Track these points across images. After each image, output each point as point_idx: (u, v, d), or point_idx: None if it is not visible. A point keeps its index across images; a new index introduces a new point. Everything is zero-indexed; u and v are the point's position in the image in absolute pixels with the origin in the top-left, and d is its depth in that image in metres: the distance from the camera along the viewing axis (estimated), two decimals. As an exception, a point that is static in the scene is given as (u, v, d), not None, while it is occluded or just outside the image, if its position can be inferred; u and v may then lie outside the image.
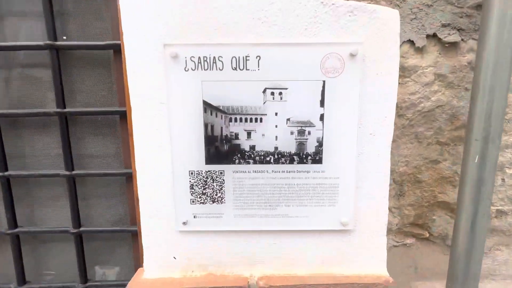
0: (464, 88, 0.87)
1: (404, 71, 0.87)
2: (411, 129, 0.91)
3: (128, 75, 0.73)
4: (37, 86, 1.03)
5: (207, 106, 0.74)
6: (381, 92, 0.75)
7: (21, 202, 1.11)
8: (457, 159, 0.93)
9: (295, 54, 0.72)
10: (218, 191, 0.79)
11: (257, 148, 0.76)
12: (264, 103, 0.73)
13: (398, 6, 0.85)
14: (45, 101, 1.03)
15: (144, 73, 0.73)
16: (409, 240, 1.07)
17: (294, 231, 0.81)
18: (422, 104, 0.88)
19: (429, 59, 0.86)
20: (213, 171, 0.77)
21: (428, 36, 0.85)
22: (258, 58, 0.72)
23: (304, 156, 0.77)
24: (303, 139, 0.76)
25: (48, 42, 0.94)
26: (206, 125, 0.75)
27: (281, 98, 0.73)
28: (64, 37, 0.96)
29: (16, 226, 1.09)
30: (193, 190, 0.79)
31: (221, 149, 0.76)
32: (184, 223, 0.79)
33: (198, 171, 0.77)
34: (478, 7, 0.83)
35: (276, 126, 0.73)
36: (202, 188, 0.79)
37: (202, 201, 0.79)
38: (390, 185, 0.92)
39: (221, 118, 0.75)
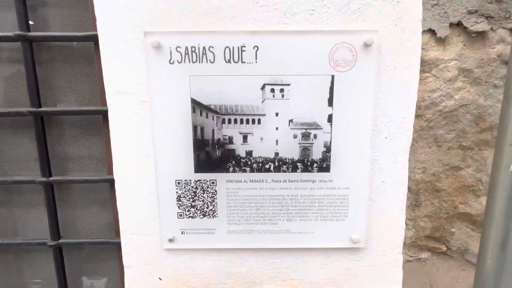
0: (492, 85, 0.76)
1: (424, 65, 0.76)
2: (430, 131, 0.81)
3: (104, 69, 0.63)
4: (9, 83, 0.92)
5: (196, 105, 0.63)
6: (399, 89, 0.64)
7: (-6, 211, 1.01)
8: (481, 166, 0.82)
9: (299, 44, 0.61)
10: (209, 203, 0.68)
11: (254, 154, 0.65)
12: (263, 101, 0.63)
13: (417, -10, 0.74)
14: (21, 100, 0.92)
15: (122, 67, 0.62)
16: (424, 255, 0.96)
17: (297, 249, 0.71)
18: (444, 103, 0.77)
19: (452, 51, 0.75)
20: (204, 180, 0.67)
21: (451, 25, 0.74)
22: (256, 48, 0.61)
23: (309, 164, 0.66)
24: (308, 143, 0.66)
25: (19, 32, 0.83)
26: (195, 127, 0.64)
27: (282, 96, 0.62)
28: (31, 22, 0.84)
29: (-13, 238, 0.98)
30: (180, 203, 0.68)
31: (212, 155, 0.66)
32: (171, 240, 0.69)
33: (186, 180, 0.67)
34: (510, -9, 0.73)
35: (276, 129, 0.63)
36: (191, 200, 0.68)
37: (191, 215, 0.69)
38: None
39: (213, 119, 0.64)
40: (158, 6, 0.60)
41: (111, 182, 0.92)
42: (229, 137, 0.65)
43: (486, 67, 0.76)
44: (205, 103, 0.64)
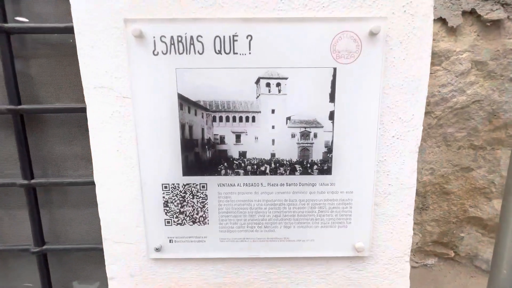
0: (508, 79, 0.70)
1: (434, 57, 0.70)
2: (439, 129, 0.75)
3: (80, 61, 0.56)
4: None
5: (184, 102, 0.57)
6: (408, 83, 0.59)
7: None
8: (494, 166, 0.77)
9: (297, 33, 0.55)
10: (199, 209, 0.62)
11: (248, 155, 0.59)
12: (258, 97, 0.57)
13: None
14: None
15: (100, 59, 0.56)
16: (430, 261, 0.91)
17: (296, 258, 0.66)
18: (455, 99, 0.71)
19: (464, 42, 0.69)
20: (193, 184, 0.61)
21: (464, 13, 0.68)
22: (249, 38, 0.55)
23: (308, 165, 0.60)
24: (308, 143, 0.60)
25: (-7, 23, 0.76)
26: (182, 126, 0.58)
27: (279, 91, 0.56)
28: (23, 19, 0.77)
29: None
30: (168, 208, 0.62)
31: (202, 156, 0.60)
32: (157, 249, 0.63)
33: (173, 184, 0.61)
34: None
35: (273, 127, 0.57)
36: (179, 205, 0.62)
37: (179, 221, 0.63)
38: (412, 197, 0.75)
39: (202, 117, 0.58)
40: (139, -9, 0.54)
41: (96, 185, 0.85)
42: (220, 136, 0.59)
43: (501, 60, 0.70)
44: (193, 99, 0.58)
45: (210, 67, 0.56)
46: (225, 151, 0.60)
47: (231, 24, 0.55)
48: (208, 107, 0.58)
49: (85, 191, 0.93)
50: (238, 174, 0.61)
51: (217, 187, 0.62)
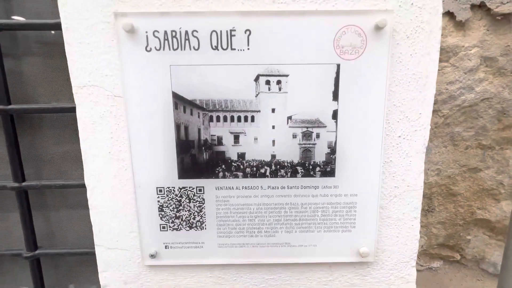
0: (519, 76, 0.67)
1: (441, 53, 0.66)
2: (446, 128, 0.72)
3: (68, 58, 0.53)
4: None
5: (179, 101, 0.54)
6: (416, 80, 0.56)
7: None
8: (503, 167, 0.74)
9: (299, 27, 0.52)
10: (196, 213, 0.59)
11: (247, 157, 0.56)
12: (257, 95, 0.54)
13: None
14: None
15: (90, 56, 0.53)
16: (435, 264, 0.88)
17: (297, 264, 0.63)
18: (463, 97, 0.68)
19: (473, 37, 0.65)
20: (189, 187, 0.58)
21: (473, 7, 0.65)
22: (248, 32, 0.52)
23: (311, 167, 0.57)
24: (310, 144, 0.57)
25: (-21, 19, 0.73)
26: (177, 126, 0.55)
27: (279, 89, 0.53)
28: (19, 17, 0.74)
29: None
30: (163, 213, 0.59)
31: (199, 158, 0.57)
32: (153, 256, 0.60)
33: (169, 188, 0.58)
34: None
35: (273, 127, 0.54)
36: (175, 210, 0.59)
37: (175, 227, 0.60)
38: (418, 199, 0.73)
39: (198, 117, 0.55)
40: (130, -18, 0.51)
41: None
42: (217, 137, 0.56)
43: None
44: (189, 97, 0.54)
45: (207, 63, 0.53)
46: (223, 152, 0.57)
47: (229, 18, 0.52)
48: (204, 106, 0.55)
49: (80, 192, 0.90)
50: (236, 176, 0.58)
51: (215, 191, 0.59)
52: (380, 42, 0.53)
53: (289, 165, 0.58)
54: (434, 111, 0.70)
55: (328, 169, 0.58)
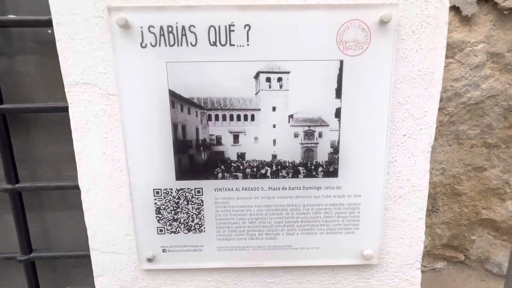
0: (526, 72, 0.66)
1: (447, 49, 0.64)
2: (451, 127, 0.70)
3: (60, 55, 0.51)
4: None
5: (176, 99, 0.52)
6: (422, 77, 0.54)
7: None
8: (509, 166, 0.72)
9: (300, 22, 0.50)
10: (195, 216, 0.57)
11: (247, 157, 0.54)
12: (257, 93, 0.52)
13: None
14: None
15: (82, 52, 0.51)
16: (439, 264, 0.86)
17: (299, 267, 0.61)
18: (469, 94, 0.66)
19: (480, 32, 0.64)
20: (187, 189, 0.56)
21: (479, 1, 0.63)
22: (248, 28, 0.50)
23: (313, 167, 0.56)
24: (312, 143, 0.55)
25: (-31, 16, 0.71)
26: (175, 126, 0.53)
27: (280, 86, 0.51)
28: (13, 16, 0.71)
29: None
30: (160, 216, 0.57)
31: (197, 158, 0.55)
32: (150, 260, 0.58)
33: (166, 189, 0.56)
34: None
35: (274, 126, 0.52)
36: (173, 212, 0.57)
37: (173, 229, 0.58)
38: (422, 199, 0.71)
39: (196, 116, 0.53)
40: (124, -25, 0.49)
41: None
42: (216, 137, 0.54)
43: (519, 51, 0.65)
44: (186, 96, 0.52)
45: (205, 60, 0.51)
46: (222, 152, 0.55)
47: (227, 13, 0.50)
48: (202, 105, 0.53)
49: (77, 193, 0.87)
50: (236, 177, 0.56)
51: (214, 192, 0.57)
52: (384, 37, 0.51)
53: (291, 165, 0.56)
54: (439, 109, 0.69)
55: (331, 169, 0.56)
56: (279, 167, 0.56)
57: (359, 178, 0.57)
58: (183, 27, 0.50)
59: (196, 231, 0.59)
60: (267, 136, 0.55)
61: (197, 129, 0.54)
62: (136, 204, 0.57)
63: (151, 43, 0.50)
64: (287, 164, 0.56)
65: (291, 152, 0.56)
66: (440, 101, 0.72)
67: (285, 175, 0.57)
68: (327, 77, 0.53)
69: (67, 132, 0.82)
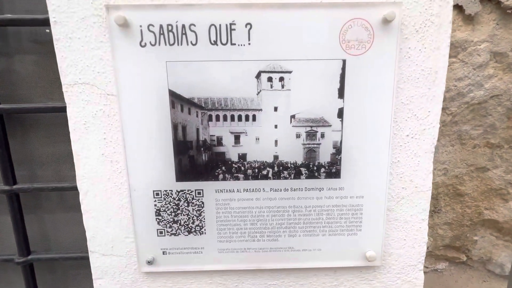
0: (530, 71, 0.65)
1: (450, 48, 0.64)
2: (454, 127, 0.69)
3: (57, 54, 0.50)
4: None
5: (176, 99, 0.51)
6: (425, 76, 0.53)
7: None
8: (511, 166, 0.71)
9: (302, 20, 0.49)
10: (195, 217, 0.57)
11: (249, 158, 0.54)
12: (259, 93, 0.51)
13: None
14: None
15: (80, 51, 0.50)
16: (441, 265, 0.86)
17: (301, 269, 0.60)
18: (472, 94, 0.66)
19: (483, 31, 0.63)
20: (188, 190, 0.55)
21: (482, 0, 0.62)
22: (249, 26, 0.49)
23: (315, 168, 0.55)
24: (314, 144, 0.54)
25: (-35, 14, 0.69)
26: (175, 126, 0.52)
27: (282, 86, 0.50)
28: (9, 15, 0.70)
29: None
30: (160, 217, 0.56)
31: (197, 160, 0.54)
32: (150, 262, 0.57)
33: (166, 191, 0.55)
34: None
35: (275, 127, 0.51)
36: (173, 214, 0.56)
37: (173, 231, 0.57)
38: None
39: (197, 116, 0.52)
40: (123, -27, 0.48)
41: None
42: (217, 137, 0.53)
43: (523, 50, 0.64)
44: (186, 96, 0.51)
45: (205, 59, 0.50)
46: (223, 153, 0.54)
47: (228, 11, 0.49)
48: (203, 105, 0.52)
49: (76, 194, 0.86)
50: (237, 178, 0.55)
51: (215, 194, 0.56)
52: (388, 36, 0.51)
53: (293, 166, 0.55)
54: (441, 109, 0.68)
55: (333, 170, 0.56)
56: (281, 168, 0.56)
57: (361, 179, 0.56)
58: (183, 26, 0.49)
59: (196, 233, 0.58)
60: (269, 137, 0.54)
61: (197, 129, 0.53)
62: (136, 205, 0.56)
63: (150, 42, 0.49)
64: (289, 165, 0.56)
65: (293, 152, 0.55)
66: (443, 101, 0.72)
67: (287, 176, 0.56)
68: (330, 76, 0.52)
69: (66, 132, 0.81)
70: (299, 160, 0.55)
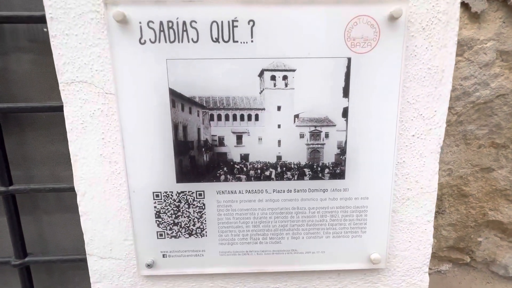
0: (536, 70, 0.64)
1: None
2: (459, 126, 0.68)
3: (54, 51, 0.48)
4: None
5: (176, 98, 0.50)
6: (431, 75, 0.52)
7: None
8: (517, 166, 0.71)
9: (307, 17, 0.48)
10: (196, 219, 0.55)
11: (251, 158, 0.52)
12: (262, 92, 0.49)
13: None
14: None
15: (78, 49, 0.48)
16: (444, 266, 0.85)
17: (304, 271, 0.59)
18: (478, 93, 0.65)
19: (489, 29, 0.62)
20: (188, 192, 0.54)
21: (489, -3, 0.61)
22: (252, 23, 0.47)
23: (319, 169, 0.54)
24: (319, 144, 0.53)
25: (-41, 11, 0.68)
26: (175, 126, 0.51)
27: (286, 85, 0.49)
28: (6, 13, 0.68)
29: None
30: (160, 219, 0.55)
31: (198, 160, 0.52)
32: (149, 265, 0.56)
33: (166, 192, 0.54)
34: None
35: (279, 126, 0.50)
36: (174, 216, 0.55)
37: (173, 234, 0.56)
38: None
39: (198, 116, 0.51)
40: (122, -33, 0.46)
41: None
42: (219, 137, 0.52)
43: (530, 49, 0.63)
44: (187, 95, 0.50)
45: (207, 57, 0.49)
46: (225, 154, 0.53)
47: (230, 7, 0.47)
48: (204, 104, 0.51)
49: (73, 195, 0.85)
50: (239, 179, 0.54)
51: (216, 195, 0.55)
52: (394, 34, 0.49)
53: (296, 167, 0.54)
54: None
55: (337, 171, 0.54)
56: (284, 168, 0.54)
57: (366, 180, 0.55)
58: (184, 23, 0.47)
59: (197, 235, 0.57)
60: (272, 137, 0.53)
61: (198, 129, 0.52)
62: (135, 207, 0.55)
63: (150, 39, 0.48)
64: (292, 165, 0.54)
65: (296, 153, 0.54)
66: (449, 100, 0.71)
67: (290, 177, 0.55)
68: (334, 75, 0.50)
69: (63, 132, 0.80)
70: (303, 160, 0.54)
